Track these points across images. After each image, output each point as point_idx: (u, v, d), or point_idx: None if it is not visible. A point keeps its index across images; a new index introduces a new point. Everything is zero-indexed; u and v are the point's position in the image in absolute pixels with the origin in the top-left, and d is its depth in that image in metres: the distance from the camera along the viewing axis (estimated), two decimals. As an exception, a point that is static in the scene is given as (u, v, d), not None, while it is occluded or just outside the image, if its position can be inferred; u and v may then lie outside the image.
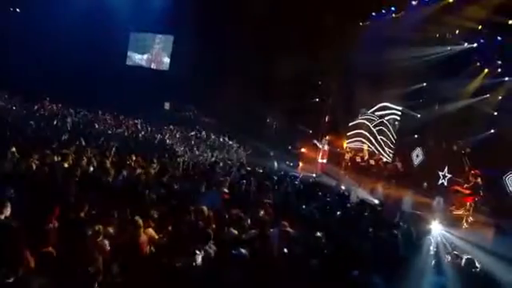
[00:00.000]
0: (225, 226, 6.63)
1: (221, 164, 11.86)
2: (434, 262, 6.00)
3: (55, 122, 14.85)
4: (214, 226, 6.62)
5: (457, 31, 16.37)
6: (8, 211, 5.62)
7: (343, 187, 12.31)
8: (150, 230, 5.87)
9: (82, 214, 6.32)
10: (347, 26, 18.43)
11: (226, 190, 8.45)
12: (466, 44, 16.62)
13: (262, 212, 7.57)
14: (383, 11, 17.66)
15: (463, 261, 6.04)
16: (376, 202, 11.41)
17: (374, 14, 18.08)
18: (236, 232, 6.49)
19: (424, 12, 16.11)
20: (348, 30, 18.41)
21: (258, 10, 19.08)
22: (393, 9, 17.23)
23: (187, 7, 22.57)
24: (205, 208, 6.62)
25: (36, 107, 18.97)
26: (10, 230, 5.29)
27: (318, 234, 6.38)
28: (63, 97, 21.17)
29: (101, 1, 23.79)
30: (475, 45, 16.50)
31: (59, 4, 23.05)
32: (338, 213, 8.64)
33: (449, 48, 16.94)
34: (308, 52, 19.01)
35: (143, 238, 5.49)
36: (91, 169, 8.72)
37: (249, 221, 7.04)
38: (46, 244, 5.33)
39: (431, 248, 7.30)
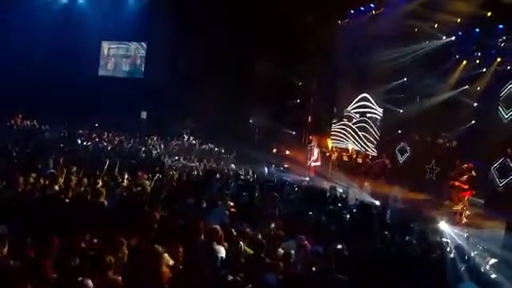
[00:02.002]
0: (237, 244, 6.19)
1: (218, 175, 11.41)
2: (462, 266, 5.74)
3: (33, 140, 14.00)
4: (226, 245, 6.21)
5: (435, 25, 16.44)
6: (5, 251, 5.05)
7: (340, 190, 12.08)
8: (166, 256, 5.35)
9: (84, 244, 5.81)
10: (326, 26, 18.27)
11: (231, 204, 8.03)
12: (444, 37, 16.78)
13: (272, 225, 7.19)
14: (362, 8, 17.54)
15: (490, 263, 5.84)
16: (376, 202, 11.18)
17: (352, 11, 17.95)
18: (251, 251, 6.08)
19: (402, 8, 16.10)
20: (327, 30, 18.25)
21: (235, 11, 18.75)
22: (372, 5, 17.14)
23: (160, 13, 22.07)
24: (217, 227, 6.18)
25: (8, 124, 18.03)
26: (6, 271, 4.78)
27: (339, 246, 6.05)
28: (36, 112, 20.27)
29: (70, 12, 23.04)
30: (453, 38, 16.69)
31: (27, 15, 22.16)
32: (347, 217, 8.38)
33: (427, 42, 17.08)
34: (287, 53, 18.77)
35: (165, 269, 4.96)
36: (82, 190, 8.14)
37: (260, 236, 6.65)
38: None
39: (448, 250, 7.11)
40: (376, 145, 19.35)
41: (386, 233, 7.11)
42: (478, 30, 15.91)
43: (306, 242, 6.26)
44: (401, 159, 18.31)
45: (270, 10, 17.76)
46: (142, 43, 25.23)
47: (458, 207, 12.08)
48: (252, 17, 18.75)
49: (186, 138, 20.17)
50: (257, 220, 7.43)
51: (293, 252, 5.78)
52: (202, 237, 6.11)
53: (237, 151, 18.28)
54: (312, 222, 7.79)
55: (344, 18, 18.61)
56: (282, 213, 8.11)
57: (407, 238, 7.11)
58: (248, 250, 6.20)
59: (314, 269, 5.35)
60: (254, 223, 7.21)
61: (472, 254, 6.56)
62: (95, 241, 5.93)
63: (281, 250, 6.06)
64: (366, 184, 15.79)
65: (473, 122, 16.75)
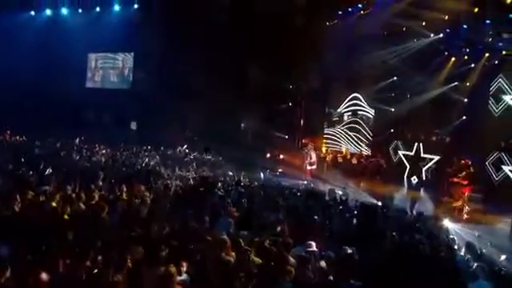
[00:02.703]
0: (246, 254, 6.05)
1: (219, 184, 11.25)
2: (475, 264, 5.66)
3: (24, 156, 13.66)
4: (233, 254, 6.08)
5: (423, 23, 16.56)
6: (7, 274, 4.86)
7: (340, 192, 11.99)
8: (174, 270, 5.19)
9: (89, 263, 5.63)
10: (315, 28, 18.23)
11: (234, 211, 7.90)
12: (432, 35, 16.91)
13: (278, 228, 7.08)
14: (350, 9, 17.56)
15: (502, 258, 5.77)
16: (378, 202, 11.12)
17: (340, 12, 17.95)
18: (260, 260, 5.95)
19: (390, 7, 16.16)
20: (316, 31, 18.21)
21: (223, 17, 18.67)
22: (360, 6, 17.16)
23: (145, 23, 21.89)
24: (225, 237, 6.04)
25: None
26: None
27: (349, 250, 5.94)
28: (24, 127, 19.92)
29: (55, 25, 22.78)
30: (441, 35, 16.82)
31: (11, 30, 21.88)
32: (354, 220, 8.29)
33: (415, 40, 17.18)
34: (276, 57, 18.72)
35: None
36: (82, 205, 7.93)
37: (267, 243, 6.52)
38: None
39: (456, 247, 7.06)
40: (369, 145, 19.37)
41: (394, 233, 7.03)
42: (465, 26, 16.04)
43: (314, 249, 6.14)
44: (395, 158, 18.32)
45: (259, 13, 17.69)
46: (129, 54, 24.98)
47: (458, 203, 12.09)
48: (240, 22, 18.68)
49: (183, 147, 19.95)
50: (261, 227, 7.29)
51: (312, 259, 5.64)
52: (211, 248, 5.98)
53: (230, 157, 18.11)
54: (318, 227, 7.68)
55: (332, 19, 18.61)
56: (286, 218, 7.96)
57: (417, 236, 7.02)
58: (256, 259, 6.08)
59: (331, 277, 5.21)
60: (258, 230, 7.08)
61: (484, 251, 6.51)
62: (99, 258, 5.77)
63: (291, 258, 5.93)
64: (361, 184, 15.79)
65: (464, 117, 16.90)
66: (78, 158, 14.64)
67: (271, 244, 6.47)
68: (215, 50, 19.07)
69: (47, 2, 25.12)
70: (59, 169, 11.16)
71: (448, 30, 16.57)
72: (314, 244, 6.13)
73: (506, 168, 14.72)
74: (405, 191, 15.33)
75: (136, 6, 23.61)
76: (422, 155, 16.48)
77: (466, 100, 17.01)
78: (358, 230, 7.83)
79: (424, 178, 16.19)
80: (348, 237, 7.02)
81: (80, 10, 24.50)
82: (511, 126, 15.45)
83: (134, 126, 24.07)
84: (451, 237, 7.34)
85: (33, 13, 25.23)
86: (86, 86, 25.72)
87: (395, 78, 18.03)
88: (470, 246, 6.56)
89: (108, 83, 25.65)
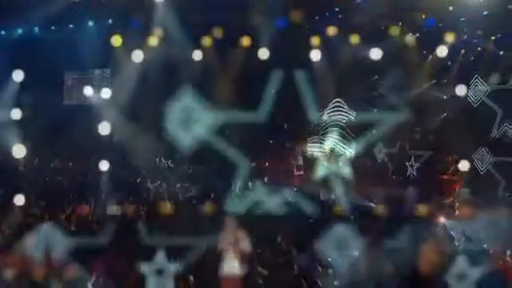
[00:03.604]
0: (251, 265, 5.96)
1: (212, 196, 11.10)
2: (481, 260, 5.65)
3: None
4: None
5: (400, 23, 16.83)
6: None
7: (332, 196, 11.97)
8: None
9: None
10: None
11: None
12: (410, 34, 17.19)
13: (279, 239, 7.01)
14: (327, 14, 17.66)
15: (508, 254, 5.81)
16: (371, 204, 11.15)
17: (317, 17, 18.02)
18: (265, 272, 5.86)
19: (367, 9, 16.31)
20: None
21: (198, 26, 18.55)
22: (337, 9, 17.27)
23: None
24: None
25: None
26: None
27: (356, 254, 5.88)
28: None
29: (27, 43, 22.25)
30: (418, 34, 17.11)
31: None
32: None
33: (394, 40, 17.39)
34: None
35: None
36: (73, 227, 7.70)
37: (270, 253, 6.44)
38: None
39: (456, 243, 7.09)
40: (354, 147, 19.43)
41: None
42: (440, 24, 16.35)
43: (320, 256, 6.07)
44: (380, 158, 18.46)
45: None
46: (106, 69, 24.56)
47: (449, 200, 12.23)
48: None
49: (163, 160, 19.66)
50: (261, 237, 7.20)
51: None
52: (214, 261, 5.87)
53: (214, 168, 17.86)
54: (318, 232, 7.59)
55: (310, 25, 18.64)
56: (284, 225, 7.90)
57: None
58: (262, 270, 6.00)
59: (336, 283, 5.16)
60: (260, 241, 6.99)
61: (485, 246, 6.54)
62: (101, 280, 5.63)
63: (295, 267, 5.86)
64: (350, 186, 15.82)
65: (445, 114, 17.21)
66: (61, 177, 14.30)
67: (274, 254, 6.41)
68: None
69: (18, 20, 24.52)
70: (46, 189, 10.88)
71: (425, 30, 16.88)
72: (318, 251, 6.08)
73: (487, 161, 15.01)
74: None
75: (110, 21, 23.25)
76: (408, 153, 16.65)
77: (445, 97, 17.35)
78: (359, 232, 7.78)
79: (410, 177, 16.34)
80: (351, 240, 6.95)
81: (53, 27, 23.97)
82: (489, 119, 15.88)
83: (115, 140, 23.63)
84: (450, 233, 7.38)
85: (3, 32, 24.60)
86: (64, 103, 25.18)
87: (376, 76, 18.23)
88: (470, 241, 6.57)
89: (86, 100, 25.13)
